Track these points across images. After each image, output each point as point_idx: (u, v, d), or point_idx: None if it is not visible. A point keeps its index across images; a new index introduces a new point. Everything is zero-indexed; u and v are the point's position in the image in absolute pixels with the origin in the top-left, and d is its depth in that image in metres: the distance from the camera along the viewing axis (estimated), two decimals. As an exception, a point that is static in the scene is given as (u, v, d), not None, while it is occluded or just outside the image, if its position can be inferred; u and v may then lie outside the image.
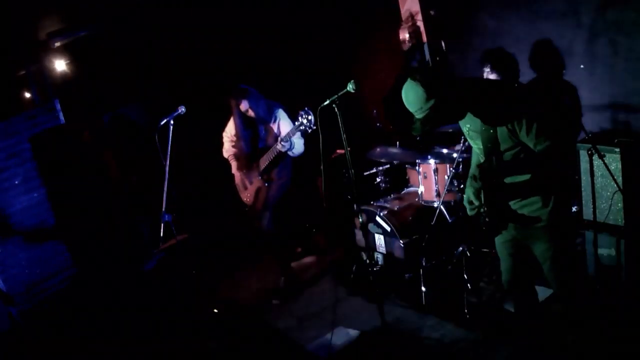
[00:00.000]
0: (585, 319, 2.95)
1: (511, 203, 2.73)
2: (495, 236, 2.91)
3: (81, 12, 5.06)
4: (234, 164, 4.88)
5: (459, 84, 2.60)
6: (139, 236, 5.50)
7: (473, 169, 2.95)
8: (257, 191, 4.74)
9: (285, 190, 4.77)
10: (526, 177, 2.64)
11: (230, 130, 4.87)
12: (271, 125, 4.58)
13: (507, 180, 2.65)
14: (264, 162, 4.61)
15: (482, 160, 2.75)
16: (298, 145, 4.47)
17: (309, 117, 4.06)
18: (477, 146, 2.78)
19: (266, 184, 4.66)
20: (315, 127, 4.05)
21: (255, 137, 4.65)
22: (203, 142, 5.26)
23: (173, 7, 5.23)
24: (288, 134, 4.29)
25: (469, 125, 2.74)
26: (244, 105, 4.54)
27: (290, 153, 4.50)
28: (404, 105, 2.62)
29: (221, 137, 4.96)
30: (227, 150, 4.94)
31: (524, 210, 2.70)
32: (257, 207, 4.78)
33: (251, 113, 4.57)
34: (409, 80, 2.54)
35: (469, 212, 2.77)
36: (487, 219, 2.66)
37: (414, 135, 2.70)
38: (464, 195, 2.81)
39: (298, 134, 4.28)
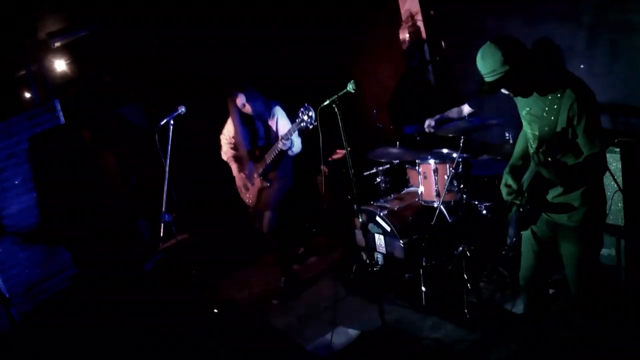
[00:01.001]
0: (585, 319, 2.95)
1: (549, 196, 2.70)
2: (525, 229, 2.88)
3: (81, 12, 5.06)
4: (234, 167, 4.86)
5: (537, 62, 2.58)
6: (139, 236, 5.50)
7: (516, 156, 2.92)
8: (259, 192, 4.73)
9: (287, 190, 4.76)
10: (569, 174, 2.61)
11: (228, 132, 4.85)
12: (269, 122, 4.56)
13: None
14: (264, 161, 4.60)
15: (533, 145, 2.72)
16: (297, 144, 4.47)
17: (310, 114, 4.05)
18: (531, 131, 2.74)
19: (267, 184, 4.65)
20: (316, 124, 4.03)
21: (254, 135, 4.64)
22: (203, 142, 5.26)
23: (173, 7, 5.23)
24: (289, 131, 4.27)
25: (529, 108, 2.70)
26: (240, 100, 4.51)
27: (289, 152, 4.50)
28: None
29: (219, 139, 4.94)
30: (226, 152, 4.91)
31: (561, 206, 2.68)
32: (259, 207, 4.77)
33: (248, 109, 4.54)
34: (489, 42, 2.54)
35: (505, 197, 2.75)
36: (523, 207, 2.64)
37: (479, 97, 2.66)
38: (502, 181, 2.78)
39: (296, 132, 4.27)
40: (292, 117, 4.31)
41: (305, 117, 4.07)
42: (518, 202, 2.69)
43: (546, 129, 2.56)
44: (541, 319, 3.11)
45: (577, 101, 2.47)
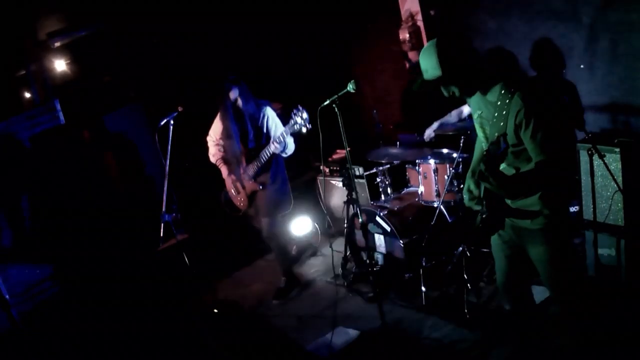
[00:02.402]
0: (584, 319, 2.94)
1: (509, 201, 2.69)
2: (492, 234, 2.86)
3: (81, 12, 5.06)
4: (223, 170, 4.71)
5: (478, 65, 2.57)
6: (139, 236, 5.50)
7: (475, 161, 2.91)
8: (251, 196, 4.61)
9: (281, 195, 4.66)
10: (526, 176, 2.61)
11: (215, 133, 4.73)
12: (259, 123, 4.45)
13: (507, 174, 2.60)
14: (255, 164, 4.47)
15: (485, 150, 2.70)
16: (290, 145, 4.41)
17: (303, 116, 4.01)
18: (483, 135, 2.74)
19: (260, 187, 4.53)
20: (310, 127, 4.01)
21: (244, 136, 4.51)
22: (203, 142, 5.25)
23: (173, 7, 5.23)
24: (282, 134, 4.21)
25: (480, 111, 2.69)
26: (233, 94, 4.39)
27: (283, 154, 4.43)
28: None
29: (206, 142, 4.84)
30: (214, 154, 4.78)
31: (522, 211, 2.66)
32: (253, 212, 4.70)
33: (240, 103, 4.42)
34: (431, 42, 2.54)
35: (467, 203, 2.73)
36: (484, 215, 2.64)
37: (414, 90, 2.67)
38: (464, 185, 2.78)
39: (289, 135, 4.21)
40: (286, 118, 4.24)
41: (299, 119, 4.01)
42: (479, 208, 2.67)
43: (496, 134, 2.50)
44: (530, 320, 3.10)
45: (524, 108, 2.44)
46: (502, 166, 2.64)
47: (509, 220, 2.74)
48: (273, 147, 4.28)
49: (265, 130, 4.47)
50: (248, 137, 4.50)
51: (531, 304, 3.07)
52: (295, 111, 4.04)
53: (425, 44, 5.49)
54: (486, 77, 2.58)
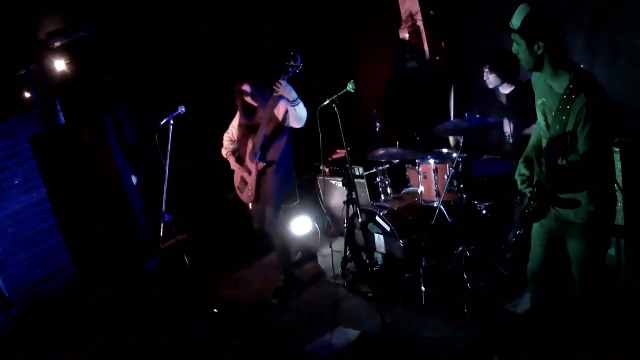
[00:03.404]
0: (586, 320, 2.95)
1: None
2: (536, 222, 2.88)
3: (81, 12, 5.06)
4: (231, 160, 4.77)
5: (558, 50, 2.60)
6: (139, 236, 5.50)
7: (530, 146, 2.92)
8: (258, 183, 4.59)
9: (289, 188, 4.68)
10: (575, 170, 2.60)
11: (233, 130, 4.79)
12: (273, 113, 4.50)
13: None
14: (260, 135, 4.48)
15: (545, 138, 2.72)
16: (302, 105, 4.36)
17: (295, 57, 4.14)
18: (545, 123, 2.74)
19: (264, 164, 4.51)
20: (302, 65, 4.14)
21: (254, 126, 4.55)
22: (203, 142, 5.26)
23: (173, 7, 5.23)
24: (281, 78, 4.26)
25: (545, 99, 2.71)
26: (246, 87, 4.45)
27: (293, 110, 4.33)
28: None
29: (221, 139, 4.89)
30: (226, 148, 4.84)
31: (569, 202, 2.67)
32: (259, 204, 4.70)
33: (251, 100, 4.49)
34: (527, 4, 2.59)
35: (519, 187, 2.75)
36: (532, 202, 2.65)
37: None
38: (517, 170, 2.79)
39: (285, 80, 4.25)
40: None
41: (292, 62, 4.15)
42: (529, 193, 2.69)
43: (557, 127, 2.55)
44: (544, 316, 3.11)
45: (587, 107, 2.46)
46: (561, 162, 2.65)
47: (554, 211, 2.77)
48: (274, 91, 4.30)
49: (280, 118, 4.50)
50: (264, 132, 4.51)
51: (551, 299, 3.07)
52: (289, 59, 4.16)
53: (425, 42, 5.55)
54: (561, 63, 2.59)
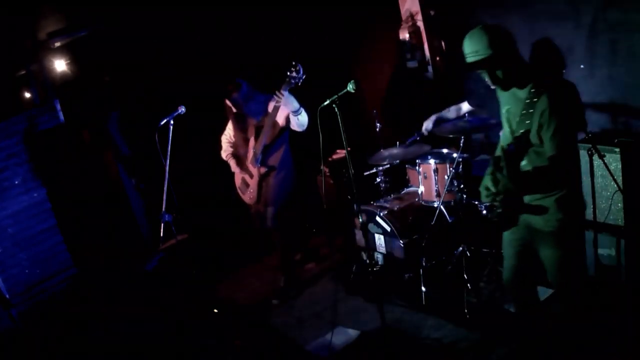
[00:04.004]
0: (584, 319, 2.95)
1: (526, 199, 2.71)
2: (505, 230, 2.89)
3: (81, 12, 5.06)
4: (232, 162, 4.78)
5: (521, 58, 2.63)
6: (139, 236, 5.50)
7: (498, 154, 2.93)
8: (259, 185, 4.61)
9: (290, 189, 4.69)
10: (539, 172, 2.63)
11: (230, 132, 4.81)
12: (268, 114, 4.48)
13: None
14: (262, 141, 4.48)
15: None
16: (304, 113, 4.38)
17: (297, 68, 4.09)
18: (509, 130, 2.77)
19: (266, 169, 4.54)
20: (304, 76, 4.11)
21: (251, 130, 4.55)
22: (203, 142, 5.25)
23: (173, 7, 5.23)
24: (282, 88, 4.22)
25: (509, 106, 2.74)
26: (229, 102, 4.47)
27: (295, 119, 4.35)
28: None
29: (219, 140, 4.89)
30: (225, 150, 4.85)
31: (537, 210, 2.69)
32: (261, 205, 4.70)
33: (239, 108, 4.49)
34: (480, 26, 2.61)
35: (483, 199, 2.76)
36: (499, 210, 2.65)
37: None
38: (482, 182, 2.79)
39: (287, 90, 4.22)
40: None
41: (294, 73, 4.10)
42: (496, 204, 2.68)
43: (521, 131, 2.56)
44: (534, 319, 3.10)
45: (549, 108, 2.49)
46: (523, 163, 2.67)
47: (523, 219, 2.77)
48: (274, 100, 4.27)
49: (281, 123, 4.49)
50: (258, 133, 4.51)
51: (535, 303, 3.08)
52: (290, 68, 4.10)
53: (425, 42, 5.55)
54: (526, 70, 2.63)
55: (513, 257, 2.95)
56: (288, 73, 4.13)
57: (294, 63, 4.11)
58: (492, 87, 2.73)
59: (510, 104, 2.73)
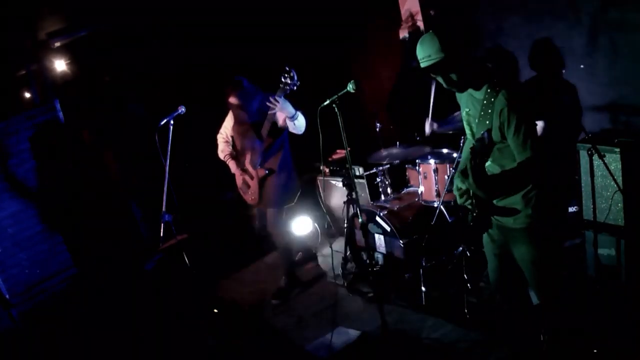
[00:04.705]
0: (584, 320, 2.94)
1: (495, 200, 2.69)
2: (482, 233, 2.87)
3: (81, 12, 5.06)
4: (231, 164, 4.76)
5: (474, 59, 2.62)
6: (139, 236, 5.50)
7: (463, 159, 2.92)
8: (260, 186, 4.60)
9: (291, 190, 4.68)
10: (508, 175, 2.61)
11: (226, 130, 4.78)
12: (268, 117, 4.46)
13: (491, 173, 2.64)
14: (261, 139, 4.48)
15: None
16: (300, 117, 4.37)
17: (291, 74, 4.06)
18: (470, 132, 2.78)
19: (266, 171, 4.53)
20: (299, 83, 4.08)
21: (250, 130, 4.53)
22: (203, 142, 5.25)
23: (173, 7, 5.23)
24: (277, 94, 4.20)
25: (468, 109, 2.74)
26: (233, 99, 4.43)
27: (292, 124, 4.35)
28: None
29: (216, 139, 4.88)
30: (222, 150, 4.82)
31: (505, 209, 2.67)
32: (262, 205, 4.71)
33: (240, 108, 4.46)
34: (430, 31, 2.61)
35: (459, 201, 2.75)
36: (474, 213, 2.64)
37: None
38: (454, 184, 2.77)
39: (282, 97, 4.20)
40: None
41: (288, 80, 4.07)
42: (469, 206, 2.68)
43: (482, 131, 2.54)
44: (524, 321, 3.08)
45: (507, 106, 2.48)
46: (488, 163, 2.66)
47: (495, 220, 2.76)
48: (271, 108, 4.25)
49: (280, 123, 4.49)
50: (259, 133, 4.50)
51: (526, 304, 3.03)
52: (283, 74, 4.08)
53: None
54: (480, 71, 2.62)
55: (494, 260, 2.92)
56: (282, 79, 4.10)
57: (287, 68, 4.08)
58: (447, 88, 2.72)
59: (469, 106, 2.73)
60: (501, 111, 2.50)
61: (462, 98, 2.79)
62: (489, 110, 2.55)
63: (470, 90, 2.67)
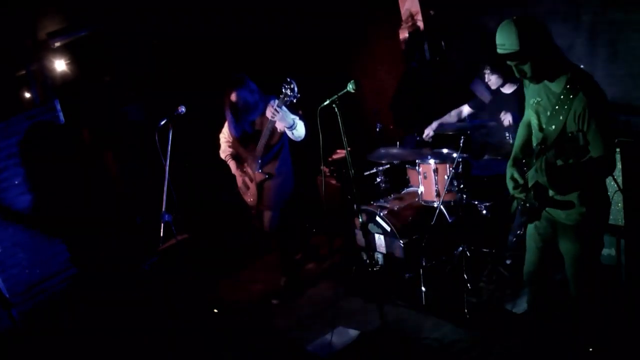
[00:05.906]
0: (583, 320, 2.94)
1: (551, 193, 2.68)
2: (530, 223, 2.88)
3: (81, 12, 5.06)
4: (232, 165, 4.76)
5: (554, 52, 2.59)
6: (139, 236, 5.50)
7: (517, 147, 2.89)
8: (259, 188, 4.63)
9: (288, 189, 4.69)
10: (569, 181, 2.59)
11: (227, 131, 4.77)
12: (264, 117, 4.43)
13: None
14: (260, 148, 4.48)
15: (538, 138, 2.69)
16: (299, 126, 4.36)
17: (292, 86, 4.04)
18: (537, 123, 2.72)
19: (266, 176, 4.55)
20: (299, 95, 4.06)
21: (251, 131, 4.53)
22: (203, 142, 5.25)
23: (173, 7, 5.23)
24: (277, 104, 4.19)
25: (539, 98, 2.69)
26: (234, 96, 4.38)
27: (290, 133, 4.36)
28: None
29: (218, 139, 4.87)
30: (224, 150, 4.82)
31: (560, 203, 2.67)
32: (261, 206, 4.72)
33: (241, 104, 4.41)
34: (510, 19, 2.57)
35: (511, 191, 2.74)
36: (528, 204, 2.64)
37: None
38: (507, 173, 2.77)
39: (283, 107, 4.19)
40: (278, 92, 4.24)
41: (289, 91, 4.04)
42: (523, 197, 2.67)
43: (553, 127, 2.53)
44: (542, 317, 3.10)
45: (588, 107, 2.45)
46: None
47: (545, 212, 2.76)
48: (270, 114, 4.23)
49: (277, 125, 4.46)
50: (254, 129, 4.50)
51: (548, 300, 3.06)
52: (284, 84, 4.06)
53: (425, 42, 5.54)
54: (559, 64, 2.58)
55: (535, 252, 2.94)
56: (282, 90, 4.08)
57: (288, 80, 4.06)
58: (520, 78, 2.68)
59: (540, 96, 2.68)
60: (580, 111, 2.46)
61: (532, 86, 2.74)
62: (565, 107, 2.50)
63: (546, 82, 2.63)
